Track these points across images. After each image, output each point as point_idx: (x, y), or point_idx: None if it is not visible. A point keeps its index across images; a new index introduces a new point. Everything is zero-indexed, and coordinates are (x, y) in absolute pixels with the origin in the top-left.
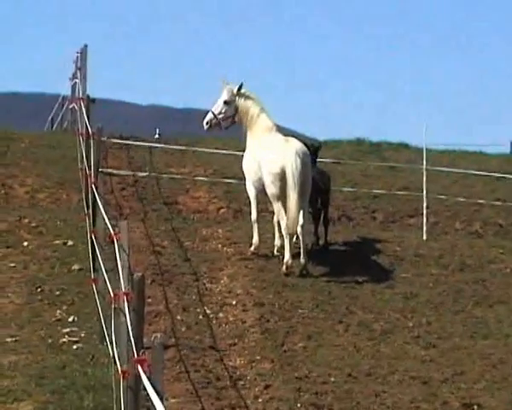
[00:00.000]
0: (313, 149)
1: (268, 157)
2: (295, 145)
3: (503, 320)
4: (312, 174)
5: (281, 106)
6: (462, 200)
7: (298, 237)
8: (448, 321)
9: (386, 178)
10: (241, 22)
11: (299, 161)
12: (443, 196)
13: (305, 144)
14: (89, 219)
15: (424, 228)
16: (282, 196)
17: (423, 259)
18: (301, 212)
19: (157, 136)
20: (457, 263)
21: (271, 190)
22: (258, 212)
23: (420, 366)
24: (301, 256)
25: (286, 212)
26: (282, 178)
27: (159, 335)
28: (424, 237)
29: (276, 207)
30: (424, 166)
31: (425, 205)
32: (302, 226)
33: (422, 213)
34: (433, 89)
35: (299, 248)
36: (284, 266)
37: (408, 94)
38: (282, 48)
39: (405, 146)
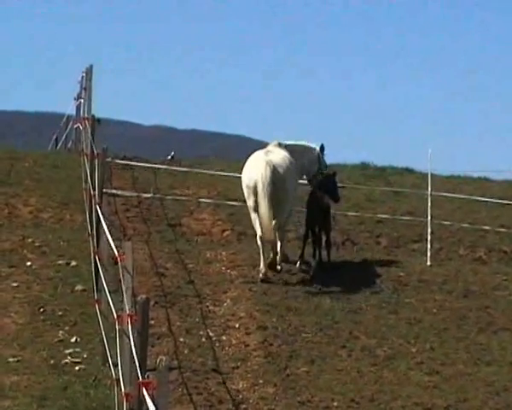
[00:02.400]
0: (327, 176)
1: (244, 172)
2: (270, 157)
3: (507, 347)
4: (314, 197)
5: (284, 130)
6: (466, 226)
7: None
8: (451, 347)
9: (390, 203)
10: (243, 43)
11: (269, 171)
12: (447, 222)
13: (322, 173)
14: (92, 239)
15: (428, 254)
16: (257, 208)
17: (427, 284)
18: (274, 221)
19: (169, 157)
20: (461, 289)
21: (248, 202)
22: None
23: (423, 393)
24: (261, 262)
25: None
26: (254, 191)
27: (164, 358)
28: (428, 263)
29: (252, 218)
30: (429, 192)
31: (429, 230)
32: (275, 235)
33: (427, 239)
34: (439, 114)
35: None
36: (260, 274)
37: (413, 119)
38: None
39: (410, 171)
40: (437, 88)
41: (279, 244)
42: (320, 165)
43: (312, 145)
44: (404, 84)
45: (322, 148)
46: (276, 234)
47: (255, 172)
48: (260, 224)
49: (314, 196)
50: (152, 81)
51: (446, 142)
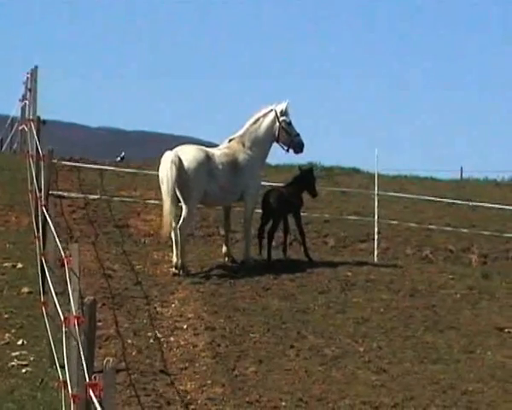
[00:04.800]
0: (304, 172)
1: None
2: (177, 152)
3: (453, 345)
4: (283, 193)
5: (229, 130)
6: (413, 225)
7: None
8: (399, 346)
9: (337, 203)
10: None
11: (174, 168)
12: (394, 222)
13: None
14: (39, 241)
15: (375, 253)
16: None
17: (374, 284)
18: (171, 216)
19: (119, 158)
20: (408, 288)
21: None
22: (226, 230)
23: (370, 391)
24: (174, 255)
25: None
26: (161, 181)
27: (111, 359)
28: (375, 262)
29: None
30: (376, 192)
31: (376, 230)
32: (175, 228)
33: (374, 239)
34: (385, 114)
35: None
36: (173, 268)
37: (360, 119)
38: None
39: (357, 171)
40: (382, 88)
41: (178, 245)
42: (288, 126)
43: (267, 110)
44: (350, 83)
45: (285, 110)
46: (178, 233)
47: (161, 169)
48: (162, 218)
49: (270, 193)
50: (98, 83)
51: (392, 142)
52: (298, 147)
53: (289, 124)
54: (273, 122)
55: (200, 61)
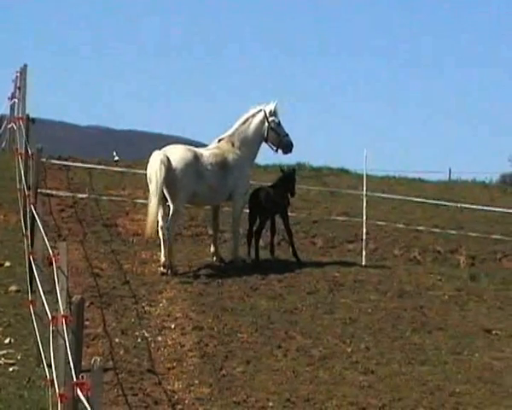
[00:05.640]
0: (287, 174)
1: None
2: (165, 152)
3: (441, 347)
4: (270, 193)
5: (218, 130)
6: (401, 226)
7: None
8: (386, 347)
9: (326, 204)
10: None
11: (163, 169)
12: (382, 223)
13: (282, 170)
14: (27, 240)
15: (363, 254)
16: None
17: (362, 285)
18: (155, 216)
19: (116, 158)
20: (396, 289)
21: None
22: (214, 230)
23: (358, 392)
24: (162, 254)
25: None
26: (149, 180)
27: (98, 358)
28: (363, 263)
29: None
30: (364, 192)
31: (364, 231)
32: (163, 227)
33: (362, 239)
34: (374, 115)
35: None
36: (161, 267)
37: (349, 119)
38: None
39: (346, 172)
40: (372, 88)
41: (166, 244)
42: (278, 127)
43: (256, 110)
44: (340, 84)
45: (274, 110)
46: (165, 232)
47: (149, 168)
48: (147, 218)
49: (258, 192)
50: (88, 81)
51: (381, 143)
52: (287, 147)
53: (278, 124)
54: (262, 122)
55: (189, 59)
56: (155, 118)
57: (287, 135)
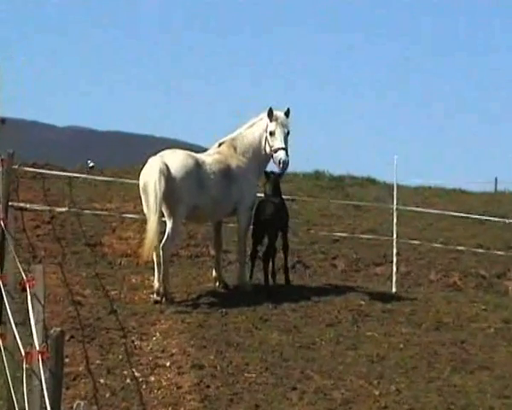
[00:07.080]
0: (273, 180)
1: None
2: (163, 158)
3: (486, 389)
4: (277, 204)
5: (216, 133)
6: (438, 246)
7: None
8: (421, 390)
9: (349, 219)
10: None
11: (163, 180)
12: (416, 242)
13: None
14: None
15: (394, 279)
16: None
17: (392, 315)
18: (156, 235)
19: (91, 164)
20: (432, 321)
21: (144, 207)
22: (217, 250)
23: None
24: (155, 279)
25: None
26: (144, 192)
27: (82, 403)
28: (393, 290)
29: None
30: (394, 206)
31: (395, 251)
32: (157, 248)
33: (392, 261)
34: (405, 118)
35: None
36: (154, 294)
37: (376, 122)
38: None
39: (372, 181)
40: (404, 87)
41: (161, 267)
42: (271, 136)
43: (257, 119)
44: (359, 82)
45: (287, 112)
46: (160, 253)
47: (143, 176)
48: (145, 237)
49: (264, 205)
50: (66, 78)
51: (413, 148)
52: (277, 164)
53: (271, 134)
54: (265, 129)
55: (183, 58)
56: (145, 118)
57: (282, 149)
